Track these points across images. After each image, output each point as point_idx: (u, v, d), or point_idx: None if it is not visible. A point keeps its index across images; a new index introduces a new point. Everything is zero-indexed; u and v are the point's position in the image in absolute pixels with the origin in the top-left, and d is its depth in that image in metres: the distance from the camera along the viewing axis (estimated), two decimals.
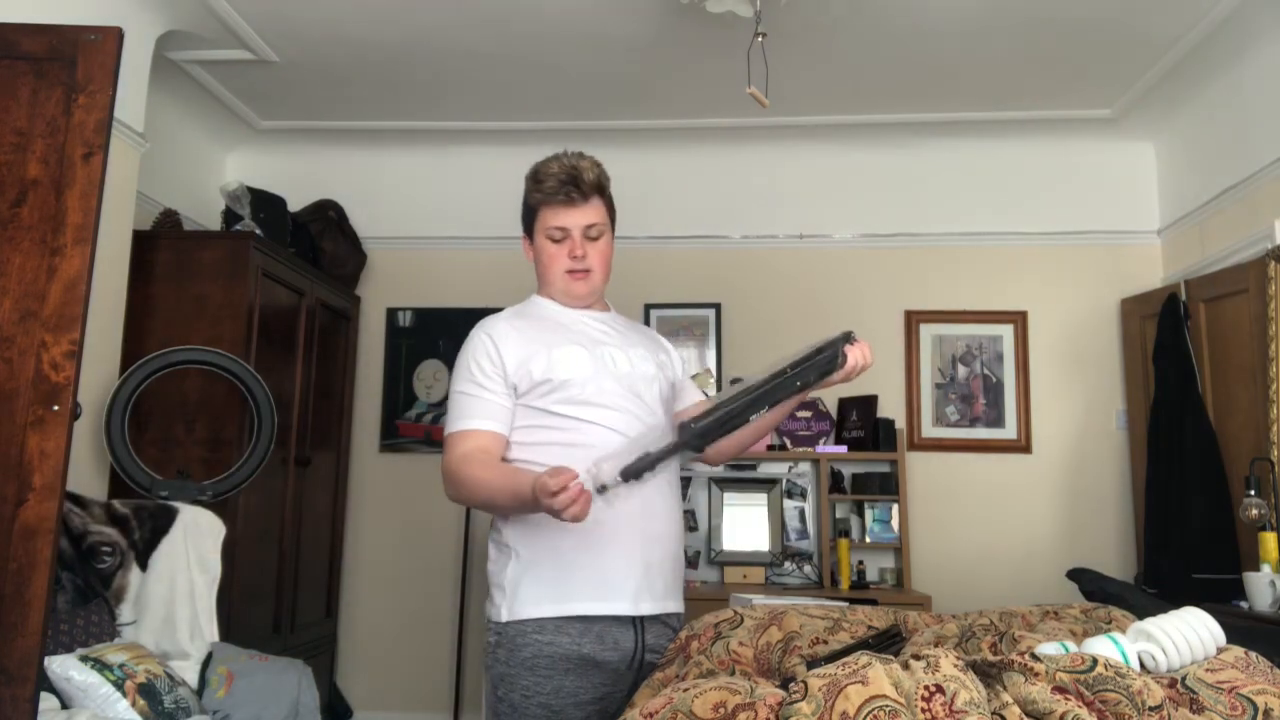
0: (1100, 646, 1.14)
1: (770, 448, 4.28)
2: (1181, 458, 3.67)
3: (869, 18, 3.38)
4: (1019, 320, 4.43)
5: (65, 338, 2.01)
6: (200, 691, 2.62)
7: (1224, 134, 3.82)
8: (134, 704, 2.26)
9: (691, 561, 4.25)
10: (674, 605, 1.76)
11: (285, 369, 3.87)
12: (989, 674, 1.07)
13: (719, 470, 4.24)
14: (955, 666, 1.02)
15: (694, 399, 1.95)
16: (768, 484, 4.35)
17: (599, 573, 1.65)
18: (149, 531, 2.87)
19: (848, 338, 1.56)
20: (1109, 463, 4.32)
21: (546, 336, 1.75)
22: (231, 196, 3.80)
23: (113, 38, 2.15)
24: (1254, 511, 3.03)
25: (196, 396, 3.41)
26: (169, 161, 4.05)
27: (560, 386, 1.70)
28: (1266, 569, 2.95)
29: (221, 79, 3.98)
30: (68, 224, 2.05)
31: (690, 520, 4.31)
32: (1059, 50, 3.62)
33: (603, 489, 1.42)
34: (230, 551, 3.17)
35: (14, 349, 2.01)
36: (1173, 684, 1.09)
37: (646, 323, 4.44)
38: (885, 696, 0.98)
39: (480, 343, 1.75)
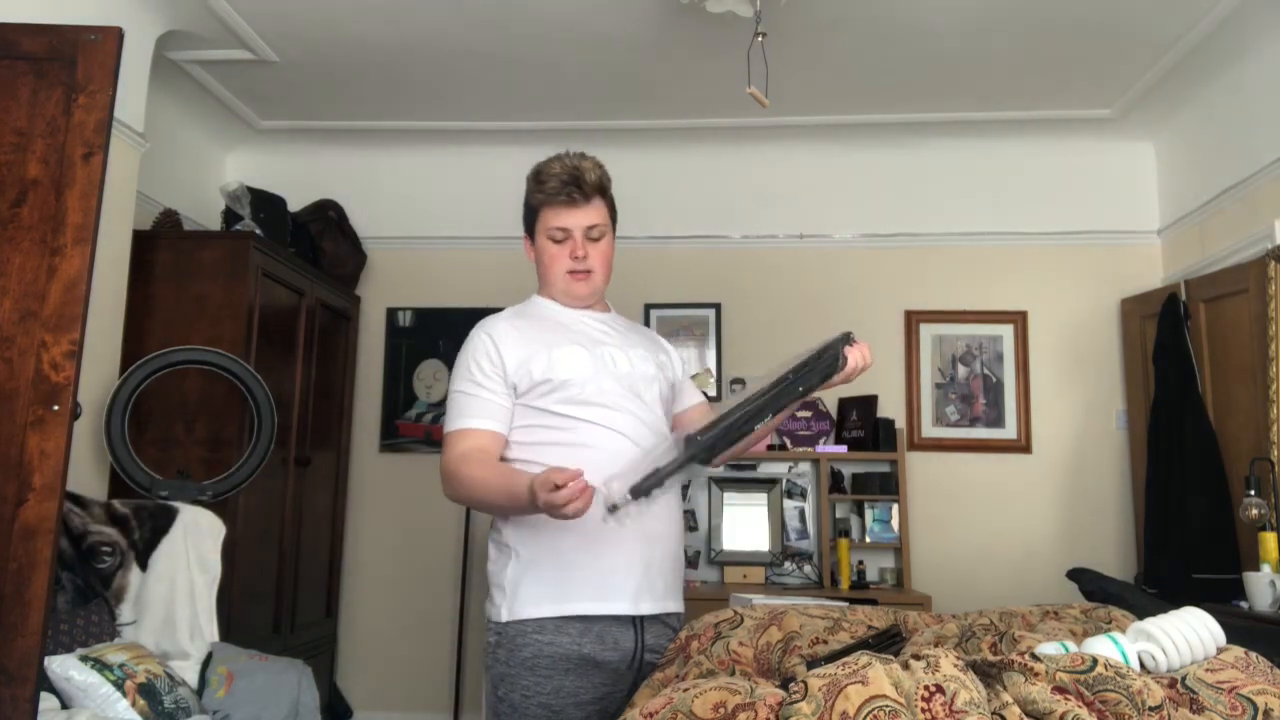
0: (1100, 646, 1.14)
1: (770, 447, 4.28)
2: (1181, 458, 3.67)
3: (869, 18, 3.38)
4: (1019, 320, 4.43)
5: (65, 338, 2.01)
6: (200, 691, 2.62)
7: (1224, 134, 3.82)
8: (134, 704, 2.26)
9: (691, 561, 4.25)
10: (674, 605, 1.76)
11: (285, 369, 3.87)
12: (989, 674, 1.07)
13: (719, 470, 4.23)
14: (955, 666, 1.02)
15: (693, 399, 1.95)
16: (768, 484, 4.35)
17: (599, 573, 1.65)
18: (149, 531, 2.87)
19: (847, 339, 1.56)
20: (1109, 463, 4.32)
21: (547, 336, 1.75)
22: (231, 196, 3.80)
23: (113, 38, 2.15)
24: (1254, 511, 3.03)
25: (196, 396, 3.41)
26: (169, 161, 4.05)
27: (560, 386, 1.70)
28: (1266, 569, 2.95)
29: (221, 79, 3.98)
30: (68, 224, 2.05)
31: (690, 520, 4.31)
32: (1059, 50, 3.62)
33: (614, 508, 1.41)
34: (230, 551, 3.16)
35: (14, 349, 2.01)
36: (1173, 684, 1.09)
37: (646, 323, 4.44)
38: (885, 696, 0.98)
39: (480, 342, 1.75)
